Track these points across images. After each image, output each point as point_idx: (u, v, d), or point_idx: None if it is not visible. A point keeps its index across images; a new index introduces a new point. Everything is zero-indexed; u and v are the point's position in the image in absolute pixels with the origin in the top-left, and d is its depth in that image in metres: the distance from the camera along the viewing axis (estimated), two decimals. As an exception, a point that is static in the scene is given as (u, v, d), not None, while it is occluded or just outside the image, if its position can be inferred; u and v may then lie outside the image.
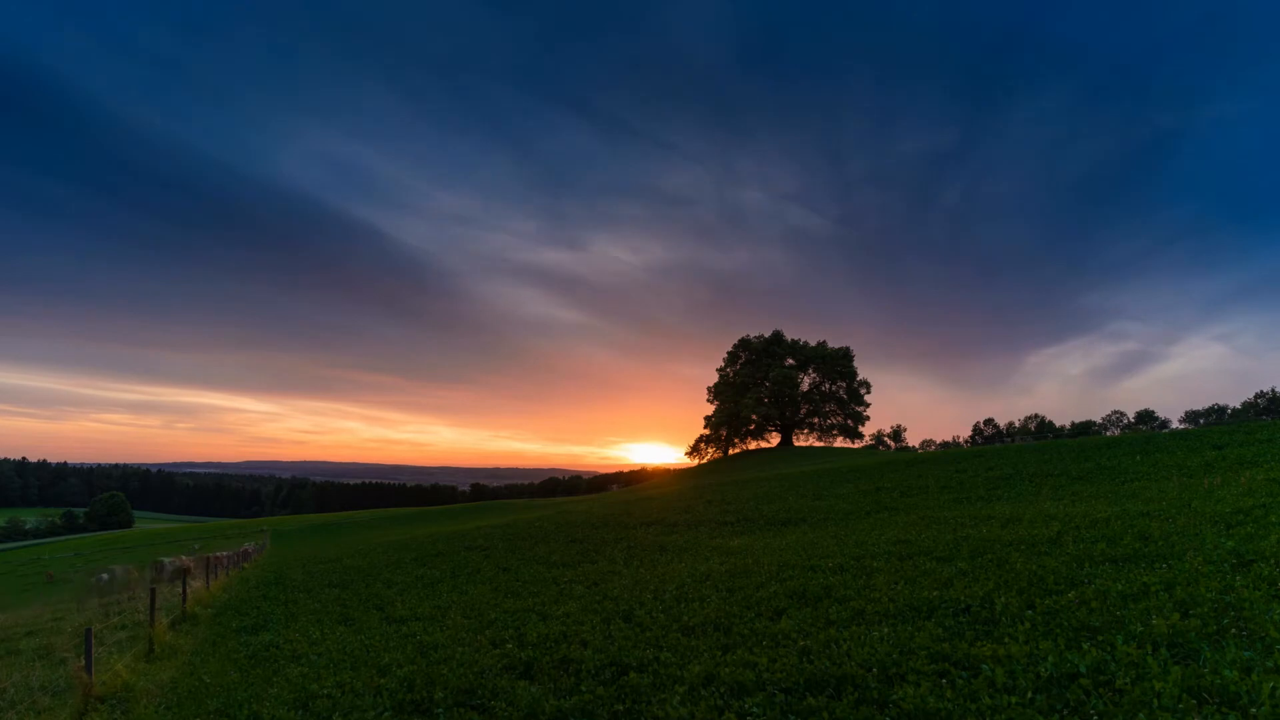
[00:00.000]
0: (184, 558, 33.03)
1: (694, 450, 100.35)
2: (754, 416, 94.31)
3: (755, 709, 5.78)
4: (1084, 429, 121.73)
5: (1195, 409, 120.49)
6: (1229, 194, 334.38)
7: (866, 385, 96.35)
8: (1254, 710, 4.43)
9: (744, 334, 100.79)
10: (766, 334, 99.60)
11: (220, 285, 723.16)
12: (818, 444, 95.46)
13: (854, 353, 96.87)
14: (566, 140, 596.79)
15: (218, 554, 28.94)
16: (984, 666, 5.83)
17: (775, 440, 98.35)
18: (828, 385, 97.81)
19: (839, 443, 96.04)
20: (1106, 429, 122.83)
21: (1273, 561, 7.66)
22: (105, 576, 27.38)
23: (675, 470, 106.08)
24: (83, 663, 9.24)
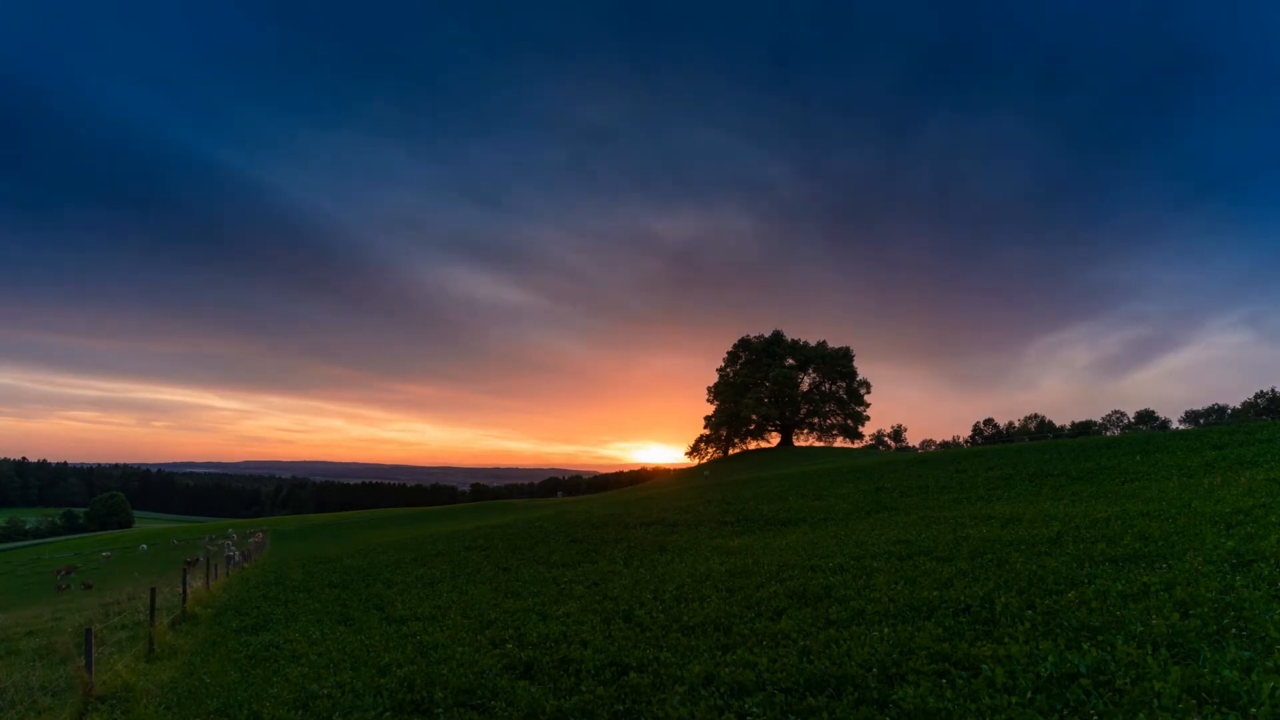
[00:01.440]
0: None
1: (694, 450, 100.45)
2: (754, 416, 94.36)
3: (755, 709, 5.78)
4: (1084, 429, 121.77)
5: (1195, 409, 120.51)
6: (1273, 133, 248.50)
7: (866, 385, 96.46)
8: (1254, 710, 4.43)
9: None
10: (766, 334, 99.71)
11: (88, 255, 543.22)
12: (818, 444, 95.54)
13: (854, 352, 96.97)
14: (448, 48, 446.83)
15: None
16: (984, 666, 5.82)
17: (775, 440, 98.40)
18: (828, 385, 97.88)
19: (839, 443, 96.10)
20: (1106, 429, 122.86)
21: (1273, 561, 7.67)
22: (145, 547, 28.30)
23: (676, 470, 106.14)
24: (83, 662, 9.24)
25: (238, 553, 31.73)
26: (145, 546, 54.33)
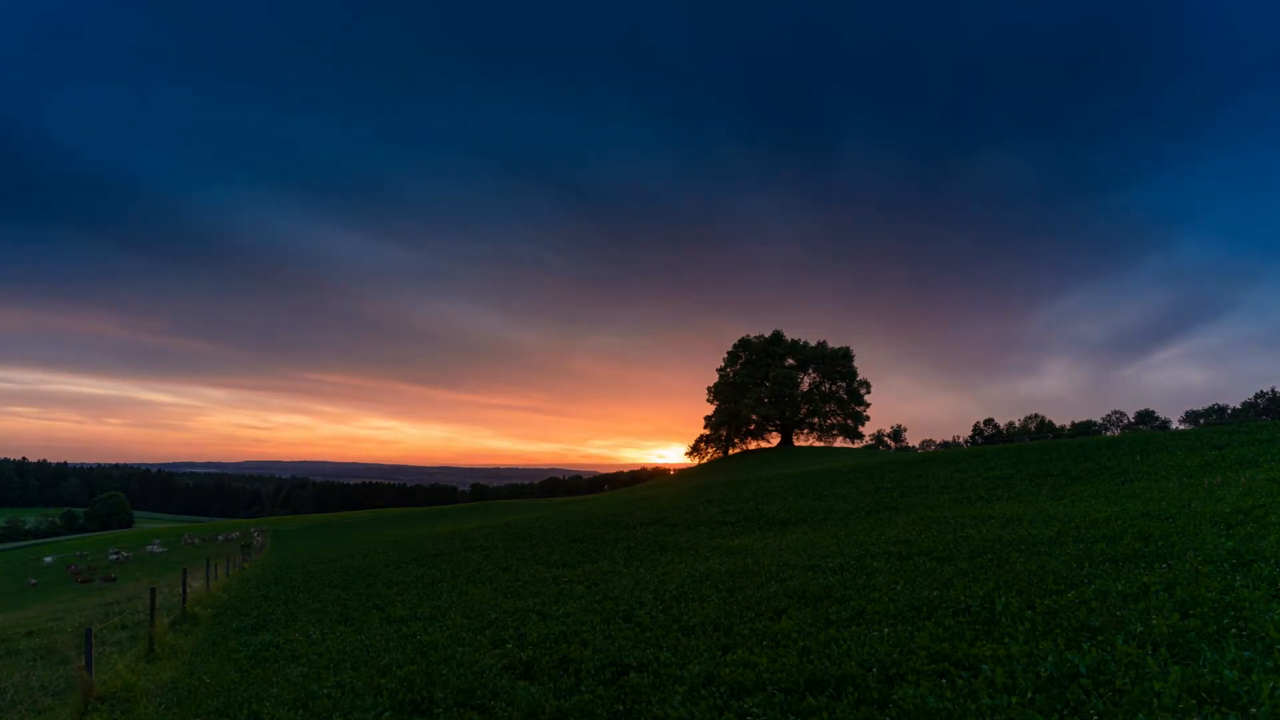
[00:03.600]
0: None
1: (694, 450, 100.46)
2: (754, 416, 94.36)
3: (755, 709, 5.78)
4: (1084, 429, 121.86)
5: (1195, 409, 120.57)
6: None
7: (866, 385, 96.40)
8: (1254, 710, 4.43)
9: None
10: (766, 334, 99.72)
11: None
12: (818, 444, 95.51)
13: (854, 352, 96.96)
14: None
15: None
16: (984, 666, 5.83)
17: (775, 440, 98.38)
18: (828, 385, 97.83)
19: (839, 443, 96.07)
20: (1106, 429, 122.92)
21: (1273, 561, 7.67)
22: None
23: (676, 470, 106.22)
24: (83, 662, 9.24)
25: (256, 538, 32.31)
26: (157, 543, 54.25)
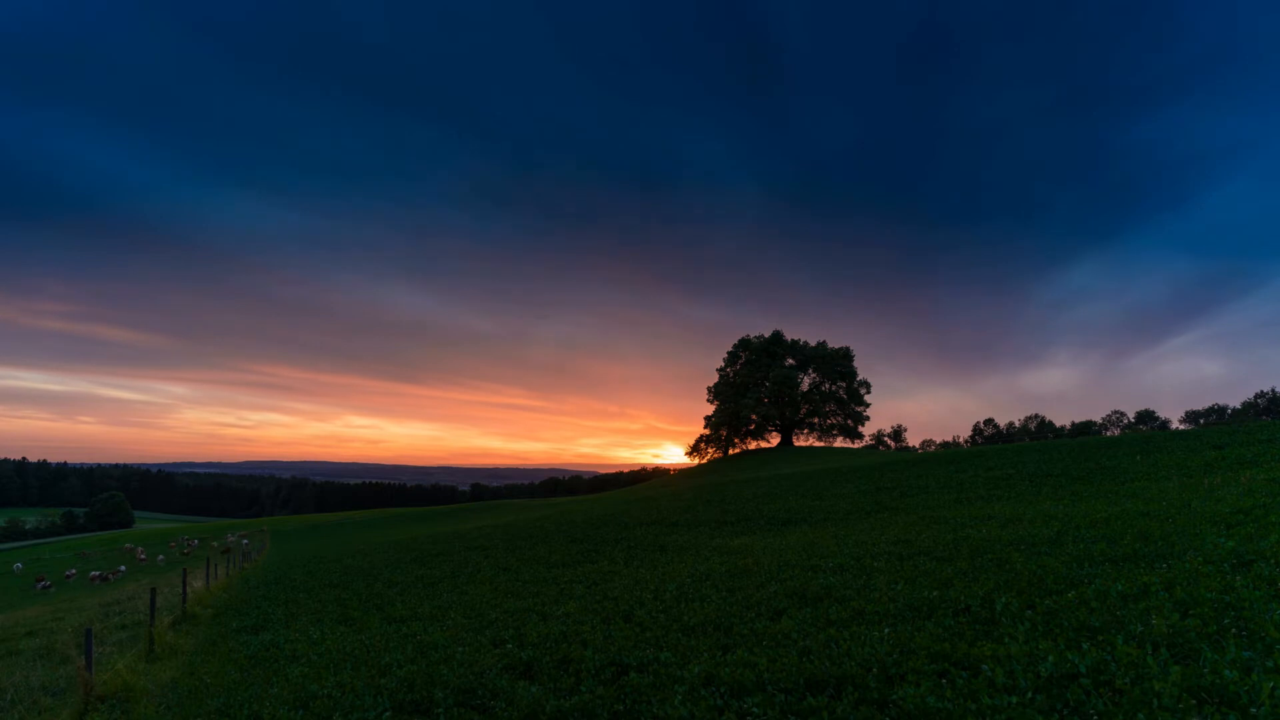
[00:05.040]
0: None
1: (694, 450, 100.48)
2: (754, 416, 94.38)
3: (755, 709, 5.78)
4: (1084, 429, 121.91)
5: (1195, 409, 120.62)
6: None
7: (867, 385, 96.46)
8: (1254, 710, 4.43)
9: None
10: (766, 334, 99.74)
11: None
12: (818, 444, 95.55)
13: (854, 352, 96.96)
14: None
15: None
16: (984, 666, 5.83)
17: (775, 440, 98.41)
18: (828, 385, 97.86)
19: (839, 443, 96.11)
20: (1106, 429, 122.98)
21: (1273, 561, 7.67)
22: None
23: (676, 470, 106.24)
24: (83, 662, 9.25)
25: (244, 542, 32.28)
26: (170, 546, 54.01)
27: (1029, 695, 5.17)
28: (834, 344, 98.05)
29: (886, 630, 7.34)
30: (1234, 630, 5.82)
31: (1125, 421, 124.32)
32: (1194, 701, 4.67)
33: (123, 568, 39.85)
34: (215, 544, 51.07)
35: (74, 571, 40.22)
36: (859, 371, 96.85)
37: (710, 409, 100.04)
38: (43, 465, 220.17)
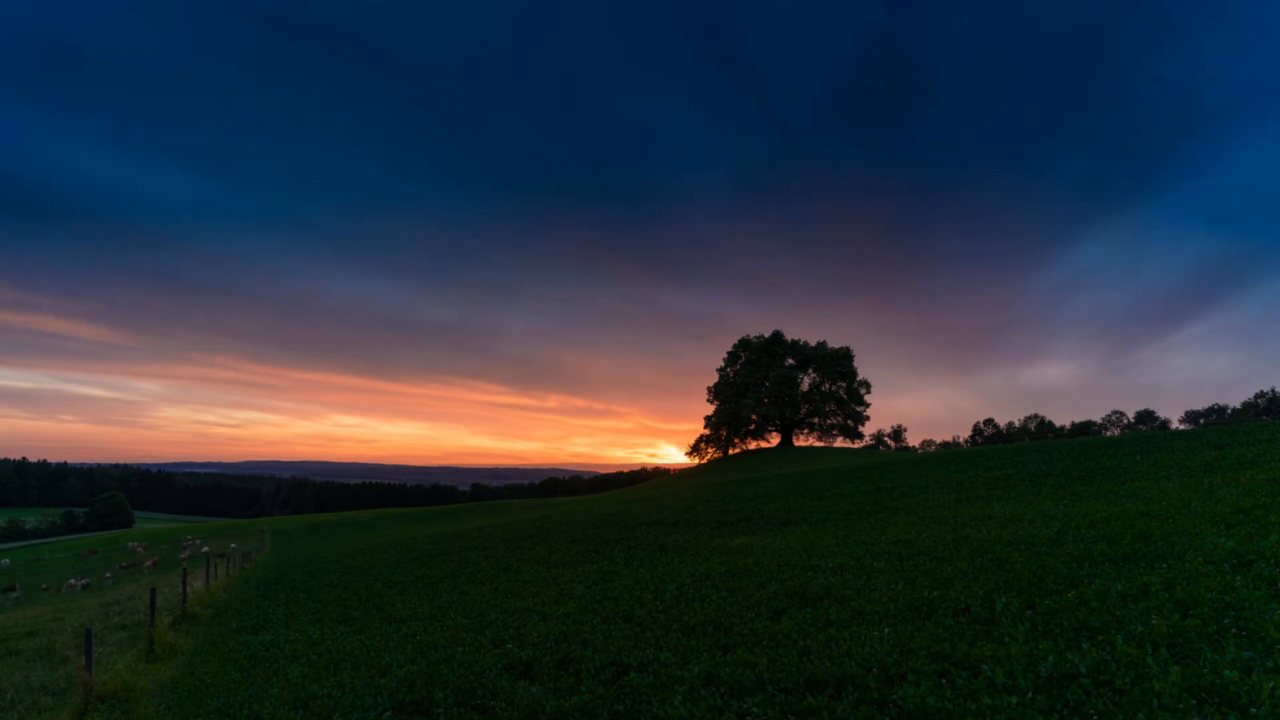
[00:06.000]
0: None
1: (694, 450, 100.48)
2: (754, 416, 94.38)
3: (755, 709, 5.78)
4: (1084, 429, 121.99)
5: (1195, 409, 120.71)
6: None
7: (867, 385, 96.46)
8: (1254, 710, 4.43)
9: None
10: (766, 334, 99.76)
11: None
12: (818, 444, 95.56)
13: (854, 352, 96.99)
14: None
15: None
16: (984, 666, 5.83)
17: (775, 440, 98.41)
18: (828, 385, 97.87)
19: (839, 443, 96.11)
20: (1106, 429, 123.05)
21: (1273, 561, 7.66)
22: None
23: (676, 470, 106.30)
24: (83, 662, 9.25)
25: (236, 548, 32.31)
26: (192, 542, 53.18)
27: (1029, 695, 5.17)
28: (833, 343, 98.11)
29: (886, 630, 7.34)
30: (1234, 630, 5.82)
31: (1125, 421, 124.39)
32: (1194, 701, 4.67)
33: (154, 559, 40.12)
34: (206, 549, 50.91)
35: (87, 581, 39.91)
36: (859, 371, 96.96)
37: (710, 409, 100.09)
38: (43, 465, 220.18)
